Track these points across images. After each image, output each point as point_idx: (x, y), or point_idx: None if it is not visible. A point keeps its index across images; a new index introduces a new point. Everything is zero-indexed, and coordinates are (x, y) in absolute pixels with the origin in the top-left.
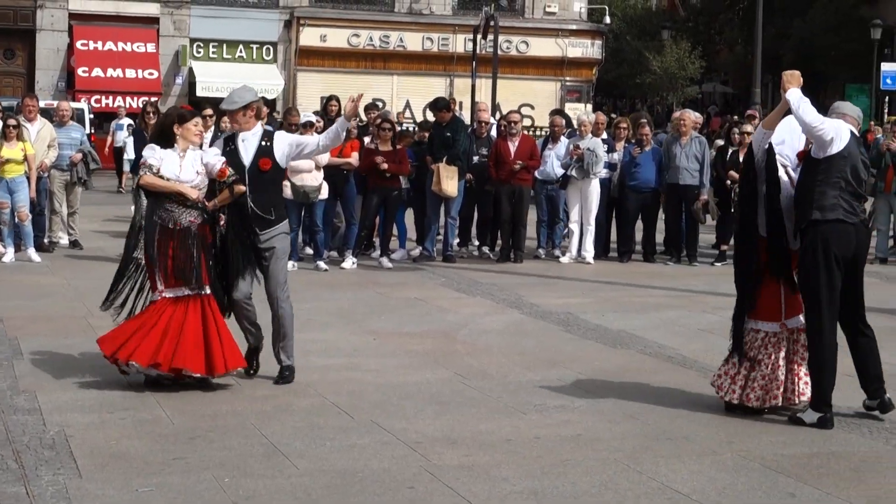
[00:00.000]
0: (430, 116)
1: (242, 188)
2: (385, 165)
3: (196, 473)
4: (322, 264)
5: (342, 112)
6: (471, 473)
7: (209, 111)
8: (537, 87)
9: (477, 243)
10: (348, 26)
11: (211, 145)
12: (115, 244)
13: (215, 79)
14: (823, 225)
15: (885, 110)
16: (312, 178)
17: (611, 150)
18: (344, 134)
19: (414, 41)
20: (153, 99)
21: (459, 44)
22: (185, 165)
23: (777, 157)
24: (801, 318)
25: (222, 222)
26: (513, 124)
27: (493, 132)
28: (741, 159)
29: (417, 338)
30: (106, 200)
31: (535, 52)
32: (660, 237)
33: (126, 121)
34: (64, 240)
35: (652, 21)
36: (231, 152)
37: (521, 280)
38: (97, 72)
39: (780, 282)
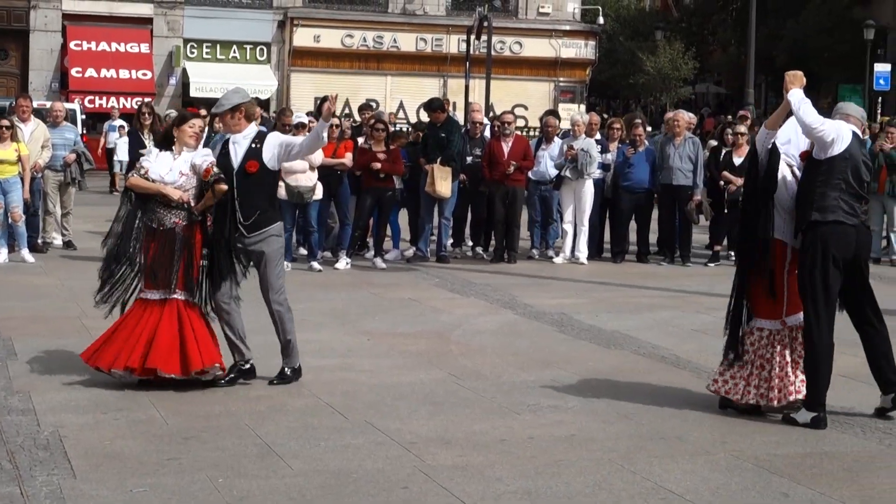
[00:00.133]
0: (425, 117)
1: (223, 187)
2: (378, 165)
3: (190, 474)
4: (316, 265)
5: (334, 113)
6: (465, 474)
7: (203, 112)
8: (531, 87)
9: (471, 244)
10: (342, 27)
11: (206, 146)
12: None
13: (209, 79)
14: (823, 226)
15: (878, 111)
16: (307, 179)
17: (604, 150)
18: (324, 137)
19: (407, 42)
20: (147, 100)
21: (453, 44)
22: (175, 167)
23: (783, 156)
24: (801, 316)
25: (209, 223)
26: (506, 125)
27: (487, 133)
28: (736, 159)
29: (411, 338)
30: (99, 201)
31: (528, 52)
32: (653, 238)
33: (119, 122)
34: (58, 240)
35: (645, 22)
36: (224, 154)
37: (514, 280)
38: (91, 72)
39: (782, 280)
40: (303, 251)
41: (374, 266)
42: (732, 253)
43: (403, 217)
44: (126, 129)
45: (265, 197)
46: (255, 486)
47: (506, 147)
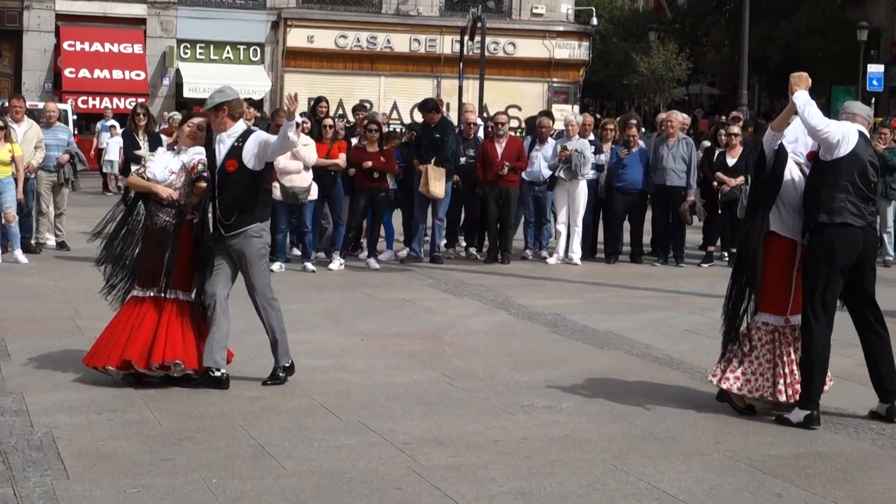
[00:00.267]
0: (419, 117)
1: (202, 185)
2: (369, 163)
3: (184, 474)
4: (309, 265)
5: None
6: (458, 474)
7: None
8: (524, 88)
9: (464, 244)
10: (335, 27)
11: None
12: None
13: (202, 80)
14: (830, 229)
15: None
16: (301, 179)
17: (598, 151)
18: (291, 136)
19: (401, 42)
20: (142, 100)
21: (447, 45)
22: (169, 165)
23: (791, 154)
24: None
25: (195, 220)
26: (500, 125)
27: (481, 133)
28: (729, 160)
29: (405, 339)
30: (93, 202)
31: (522, 53)
32: (647, 238)
33: (111, 122)
34: (51, 241)
35: (639, 22)
36: (210, 153)
37: (508, 281)
38: (84, 73)
39: (791, 277)
40: (297, 252)
41: (367, 267)
42: (726, 254)
43: (397, 218)
44: (118, 129)
45: (246, 196)
46: (248, 486)
47: (499, 148)
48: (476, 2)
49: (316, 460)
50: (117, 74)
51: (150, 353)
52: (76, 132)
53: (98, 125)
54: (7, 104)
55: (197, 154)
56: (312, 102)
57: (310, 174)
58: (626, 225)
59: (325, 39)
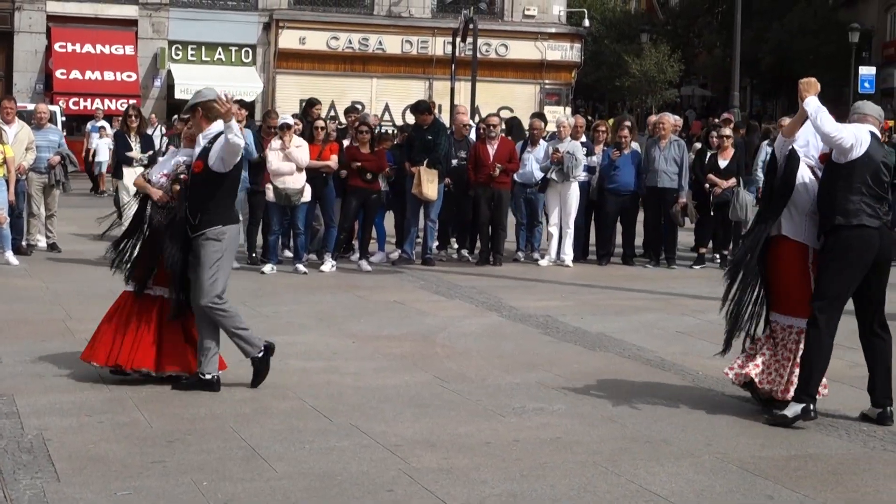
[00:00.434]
0: (411, 119)
1: (176, 186)
2: (358, 164)
3: (174, 477)
4: (301, 267)
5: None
6: (450, 476)
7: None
8: (516, 90)
9: (456, 246)
10: (327, 29)
11: None
12: (93, 247)
13: (194, 81)
14: (847, 231)
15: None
16: (294, 181)
17: (590, 153)
18: (232, 138)
19: (393, 44)
20: (133, 102)
21: (438, 47)
22: (165, 167)
23: (803, 158)
24: None
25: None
26: (492, 127)
27: (472, 135)
28: (721, 162)
29: (396, 341)
30: (84, 203)
31: (514, 55)
32: (639, 240)
33: (101, 123)
34: (42, 243)
35: (631, 24)
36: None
37: (500, 283)
38: (75, 74)
39: (809, 280)
40: (288, 253)
41: (359, 268)
42: (718, 256)
43: (389, 219)
44: (107, 130)
45: (210, 198)
46: (239, 488)
47: (491, 150)
48: (468, 3)
49: (307, 462)
50: (109, 76)
51: (118, 353)
52: (65, 133)
53: (88, 126)
54: None
55: (189, 156)
56: (304, 104)
57: (303, 176)
58: (618, 227)
59: (316, 41)
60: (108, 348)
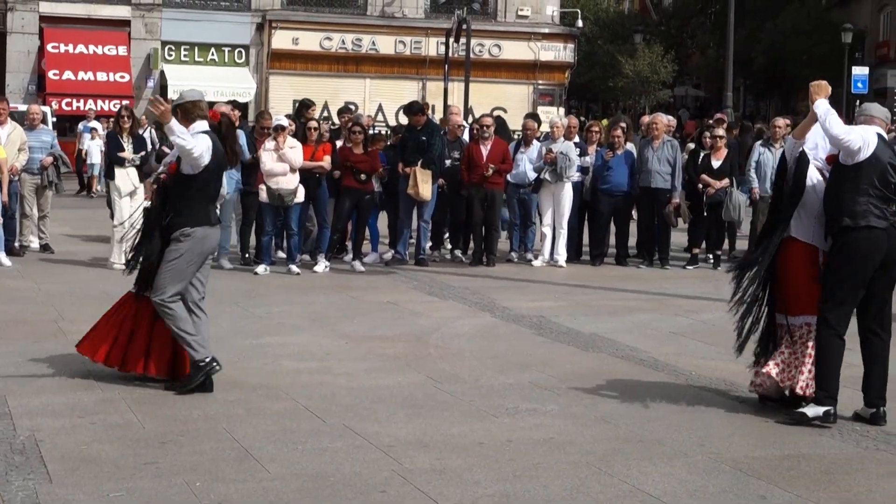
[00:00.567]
0: (404, 120)
1: (154, 186)
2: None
3: (167, 478)
4: (294, 268)
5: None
6: (443, 477)
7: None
8: (510, 90)
9: (449, 247)
10: (320, 29)
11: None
12: (85, 248)
13: (187, 82)
14: (855, 232)
15: (855, 114)
16: (287, 182)
17: (583, 153)
18: (175, 140)
19: (386, 44)
20: (126, 103)
21: (432, 47)
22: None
23: (812, 161)
24: None
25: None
26: (485, 128)
27: (466, 136)
28: (714, 162)
29: (389, 341)
30: (77, 204)
31: (507, 55)
32: (632, 240)
33: (92, 123)
34: (35, 243)
35: (624, 25)
36: None
37: (493, 283)
38: (68, 75)
39: (816, 280)
40: (281, 254)
41: (352, 269)
42: (711, 256)
43: (382, 220)
44: (99, 131)
45: (179, 199)
46: (232, 489)
47: (484, 150)
48: (461, 3)
49: (300, 463)
50: (101, 76)
51: (112, 353)
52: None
53: (80, 126)
54: None
55: (174, 157)
56: (298, 105)
57: (296, 176)
58: (612, 227)
59: (310, 41)
60: (102, 345)
